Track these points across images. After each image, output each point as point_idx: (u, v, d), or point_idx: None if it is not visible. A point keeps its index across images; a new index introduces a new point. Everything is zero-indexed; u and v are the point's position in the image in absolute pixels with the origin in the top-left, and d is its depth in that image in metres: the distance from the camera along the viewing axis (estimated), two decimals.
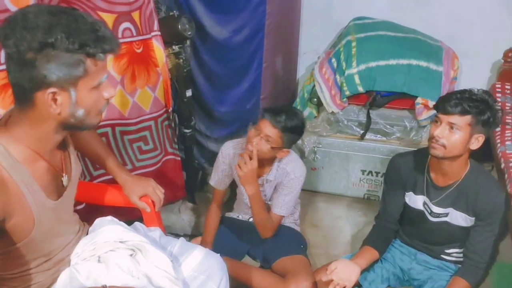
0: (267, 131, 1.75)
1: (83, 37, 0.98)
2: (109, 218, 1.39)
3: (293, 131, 1.78)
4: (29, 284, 1.19)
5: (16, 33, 0.95)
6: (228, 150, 1.97)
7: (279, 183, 1.92)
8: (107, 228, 1.33)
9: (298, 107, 2.72)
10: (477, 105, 1.50)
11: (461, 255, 1.73)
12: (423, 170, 1.71)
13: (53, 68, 0.98)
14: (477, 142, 1.55)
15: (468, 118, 1.50)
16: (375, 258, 1.76)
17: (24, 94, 1.02)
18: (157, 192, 1.53)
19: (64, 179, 1.23)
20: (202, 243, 1.95)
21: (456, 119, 1.51)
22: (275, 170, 1.91)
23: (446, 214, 1.68)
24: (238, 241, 1.99)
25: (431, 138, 1.57)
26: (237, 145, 1.97)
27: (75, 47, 0.97)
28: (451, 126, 1.52)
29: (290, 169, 1.89)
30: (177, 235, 2.16)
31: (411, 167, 1.74)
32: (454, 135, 1.52)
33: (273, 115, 1.75)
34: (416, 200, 1.75)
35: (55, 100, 1.02)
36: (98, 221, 1.38)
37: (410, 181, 1.75)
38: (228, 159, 1.97)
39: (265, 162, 1.89)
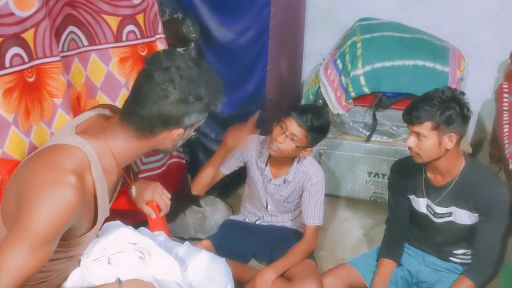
0: (293, 129, 1.74)
1: (217, 94, 1.13)
2: (118, 222, 1.40)
3: (319, 131, 1.77)
4: (42, 280, 1.18)
5: (175, 82, 1.05)
6: (251, 144, 1.95)
7: (300, 187, 1.91)
8: (117, 231, 1.34)
9: None
10: (431, 110, 1.50)
11: (469, 256, 1.72)
12: (420, 172, 1.71)
13: (192, 116, 1.11)
14: (451, 142, 1.54)
15: (428, 124, 1.51)
16: (394, 267, 1.80)
17: (152, 128, 1.10)
18: (164, 198, 1.52)
19: (133, 191, 1.33)
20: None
21: (418, 128, 1.53)
22: (294, 171, 1.89)
23: (450, 214, 1.67)
24: (244, 244, 1.98)
25: (408, 149, 1.59)
26: (261, 141, 1.96)
27: (213, 102, 1.12)
28: (418, 135, 1.54)
29: (312, 173, 1.88)
30: (182, 239, 2.15)
31: (410, 171, 1.74)
32: (424, 142, 1.54)
33: (299, 114, 1.74)
34: (419, 203, 1.74)
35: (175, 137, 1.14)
36: (107, 225, 1.38)
37: (410, 185, 1.75)
38: (248, 151, 1.95)
39: (284, 162, 1.88)
